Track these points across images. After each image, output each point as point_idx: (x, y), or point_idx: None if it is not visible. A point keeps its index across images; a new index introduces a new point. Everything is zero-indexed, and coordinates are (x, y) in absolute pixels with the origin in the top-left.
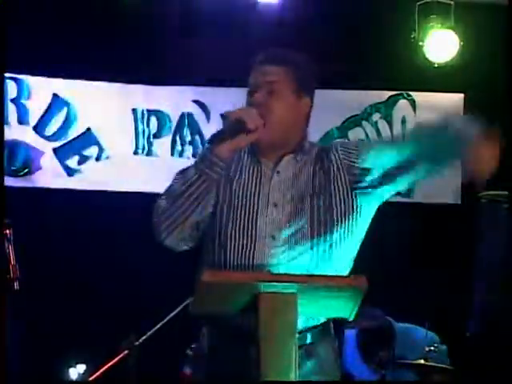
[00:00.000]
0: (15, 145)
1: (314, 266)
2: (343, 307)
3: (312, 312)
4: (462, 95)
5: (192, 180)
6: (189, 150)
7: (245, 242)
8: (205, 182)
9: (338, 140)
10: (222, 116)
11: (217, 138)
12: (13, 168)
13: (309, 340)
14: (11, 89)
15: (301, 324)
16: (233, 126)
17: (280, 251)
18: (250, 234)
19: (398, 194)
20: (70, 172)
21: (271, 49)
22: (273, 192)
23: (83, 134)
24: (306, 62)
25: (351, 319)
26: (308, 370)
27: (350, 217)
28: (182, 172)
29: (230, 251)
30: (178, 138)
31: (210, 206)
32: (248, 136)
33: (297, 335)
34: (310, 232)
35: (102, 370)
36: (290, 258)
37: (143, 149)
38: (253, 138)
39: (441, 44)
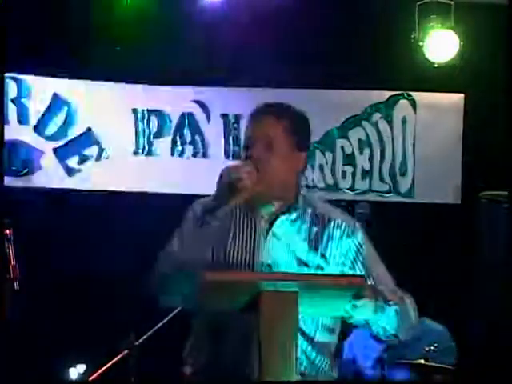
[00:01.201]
0: (15, 145)
1: None
2: (342, 306)
3: (312, 311)
4: (462, 95)
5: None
6: (189, 149)
7: None
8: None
9: (352, 225)
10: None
11: (212, 206)
12: (13, 168)
13: None
14: (11, 89)
15: None
16: (224, 189)
17: None
18: None
19: (399, 193)
20: (70, 172)
21: (269, 102)
22: (267, 253)
23: (83, 133)
24: (303, 117)
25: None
26: None
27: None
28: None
29: None
30: (178, 138)
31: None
32: (238, 197)
33: (298, 334)
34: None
35: (101, 370)
36: None
37: (143, 149)
38: (243, 197)
39: (441, 44)
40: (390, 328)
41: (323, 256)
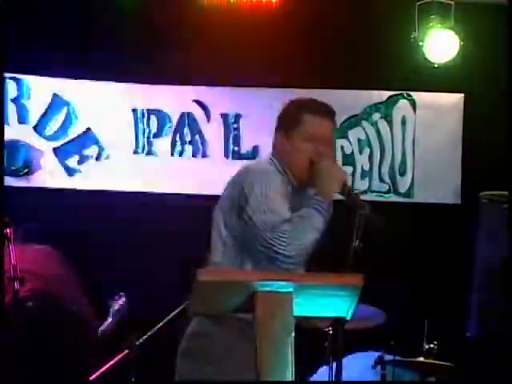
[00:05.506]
0: (15, 145)
1: None
2: (340, 306)
3: (308, 311)
4: (461, 95)
5: None
6: (189, 149)
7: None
8: None
9: None
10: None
11: None
12: (13, 168)
13: None
14: (11, 89)
15: None
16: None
17: None
18: None
19: (398, 193)
20: (70, 172)
21: (319, 101)
22: None
23: (83, 133)
24: None
25: (348, 318)
26: None
27: None
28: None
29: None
30: (178, 138)
31: None
32: None
33: (293, 334)
34: None
35: (102, 370)
36: None
37: (143, 148)
38: None
39: (441, 44)
40: None
41: None
